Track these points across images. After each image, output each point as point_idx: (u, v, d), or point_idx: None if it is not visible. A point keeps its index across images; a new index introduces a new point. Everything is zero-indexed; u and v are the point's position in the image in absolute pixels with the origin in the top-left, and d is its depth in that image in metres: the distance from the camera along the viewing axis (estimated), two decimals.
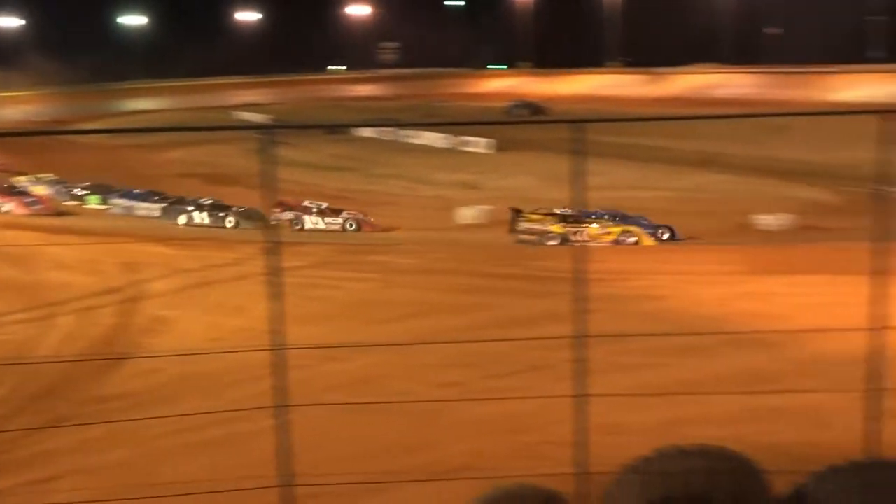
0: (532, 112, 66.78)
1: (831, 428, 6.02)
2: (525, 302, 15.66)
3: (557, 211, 27.95)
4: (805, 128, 45.13)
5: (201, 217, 31.90)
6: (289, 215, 31.36)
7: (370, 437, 8.34)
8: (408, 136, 54.64)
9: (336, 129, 57.90)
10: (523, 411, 8.15)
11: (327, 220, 31.51)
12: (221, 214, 31.65)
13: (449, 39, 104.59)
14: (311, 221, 31.50)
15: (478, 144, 50.62)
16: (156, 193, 35.19)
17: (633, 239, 26.62)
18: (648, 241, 26.61)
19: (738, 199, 33.18)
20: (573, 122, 5.30)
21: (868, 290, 5.44)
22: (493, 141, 49.91)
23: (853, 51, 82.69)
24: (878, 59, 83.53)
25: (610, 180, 34.53)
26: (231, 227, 31.06)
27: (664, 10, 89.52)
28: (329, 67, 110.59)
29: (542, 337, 7.28)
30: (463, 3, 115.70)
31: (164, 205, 33.45)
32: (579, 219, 27.13)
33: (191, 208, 32.35)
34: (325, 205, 32.37)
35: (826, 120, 43.00)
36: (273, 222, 30.43)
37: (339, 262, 21.04)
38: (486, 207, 32.52)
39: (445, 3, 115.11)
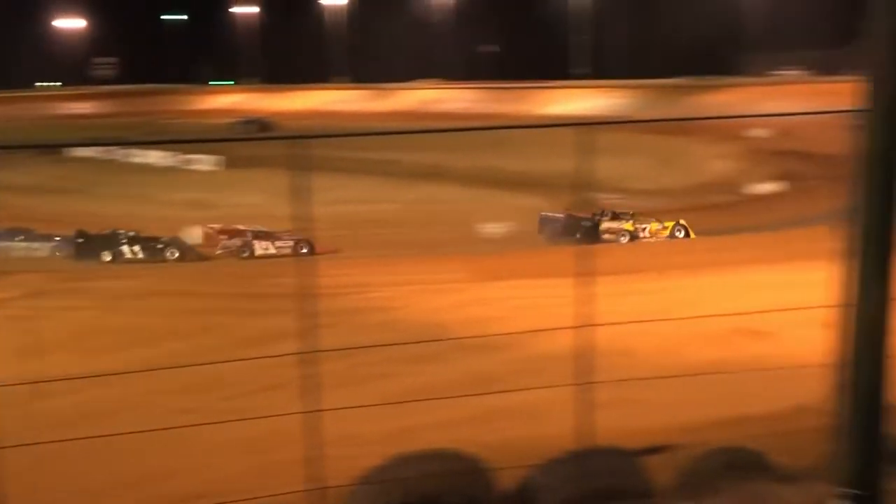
0: (260, 128, 66.08)
1: (550, 422, 6.41)
2: (255, 321, 15.45)
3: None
4: (522, 140, 47.89)
5: (133, 251, 29.31)
6: (236, 242, 30.09)
7: (97, 475, 7.91)
8: (130, 156, 52.40)
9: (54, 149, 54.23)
10: (259, 432, 8.05)
11: (278, 244, 29.99)
12: (160, 247, 29.50)
13: (169, 54, 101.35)
14: (260, 247, 30.05)
15: (204, 162, 49.43)
16: (21, 231, 30.64)
17: None
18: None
19: (465, 208, 34.41)
20: (295, 138, 5.37)
21: (575, 290, 5.80)
22: (221, 158, 48.94)
23: (560, 67, 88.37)
24: (582, 76, 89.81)
25: (339, 195, 34.69)
26: (172, 259, 29.05)
27: (389, 28, 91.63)
28: (38, 83, 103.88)
29: (272, 355, 7.24)
30: (184, 17, 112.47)
31: (78, 241, 29.34)
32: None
33: (122, 242, 29.43)
34: (263, 228, 30.77)
35: (539, 132, 45.57)
36: (219, 251, 29.53)
37: (53, 290, 19.75)
38: (216, 226, 31.83)
39: (164, 17, 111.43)
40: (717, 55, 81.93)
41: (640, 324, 8.62)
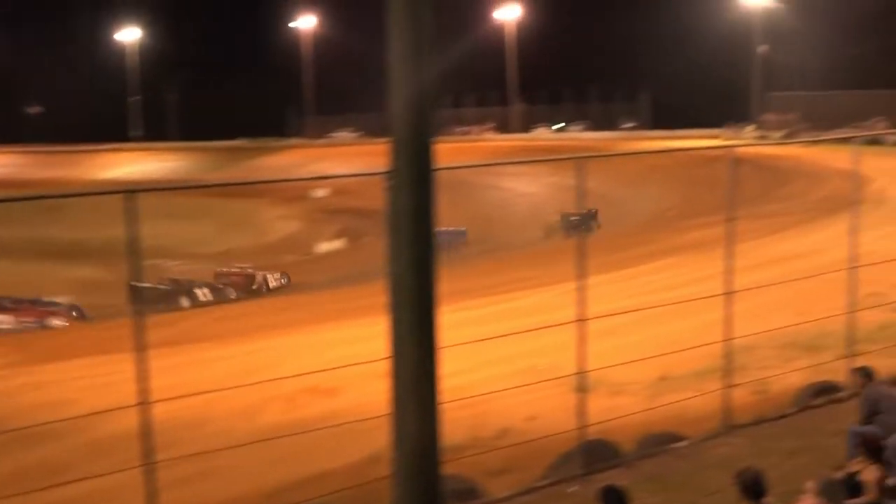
0: None
1: None
2: None
3: None
4: (78, 207, 45.33)
5: (203, 293, 30.16)
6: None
7: None
8: None
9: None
10: None
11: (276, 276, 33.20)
12: (220, 286, 31.13)
13: None
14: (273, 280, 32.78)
15: None
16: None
17: None
18: None
19: (18, 282, 32.00)
20: None
21: (135, 366, 5.69)
22: None
23: (116, 130, 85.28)
24: (137, 138, 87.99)
25: None
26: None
27: None
28: None
29: None
30: None
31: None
32: None
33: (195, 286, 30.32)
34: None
35: (97, 198, 43.39)
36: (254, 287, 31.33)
37: None
38: None
39: None
40: (275, 117, 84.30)
41: (215, 393, 8.57)
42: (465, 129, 73.63)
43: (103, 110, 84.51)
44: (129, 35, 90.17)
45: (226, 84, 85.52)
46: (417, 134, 3.59)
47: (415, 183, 3.61)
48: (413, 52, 3.54)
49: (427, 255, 3.66)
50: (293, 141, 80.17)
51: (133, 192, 5.95)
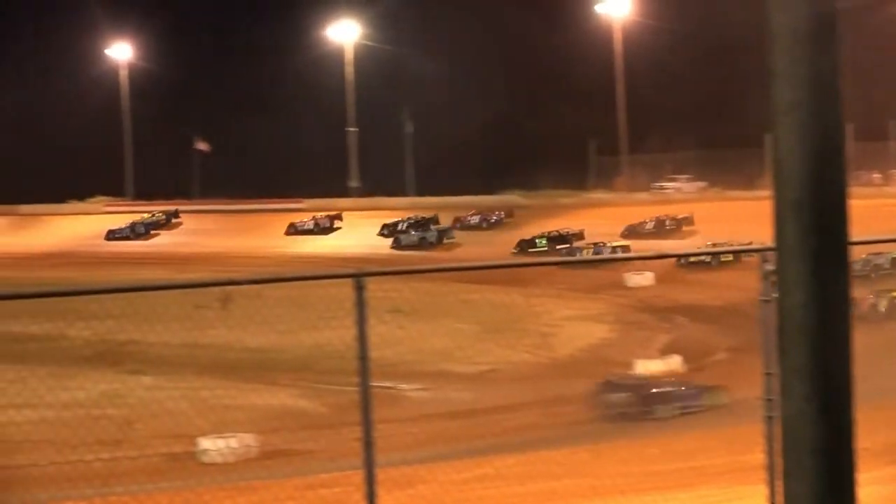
0: None
1: None
2: None
3: None
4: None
5: None
6: None
7: None
8: None
9: None
10: None
11: None
12: None
13: None
14: None
15: None
16: None
17: None
18: None
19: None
20: None
21: None
22: None
23: (280, 182, 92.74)
24: (356, 192, 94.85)
25: None
26: None
27: None
28: None
29: None
30: None
31: None
32: None
33: None
34: None
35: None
36: None
37: None
38: None
39: None
40: (565, 158, 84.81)
41: None
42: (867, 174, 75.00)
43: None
44: None
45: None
46: (822, 192, 3.78)
47: (817, 266, 3.75)
48: (822, 81, 3.79)
49: (841, 390, 3.80)
50: (595, 194, 79.79)
51: (363, 275, 7.67)
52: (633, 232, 70.19)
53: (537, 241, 71.55)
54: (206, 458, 29.85)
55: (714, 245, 51.34)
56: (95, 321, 46.33)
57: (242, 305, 45.81)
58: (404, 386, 38.01)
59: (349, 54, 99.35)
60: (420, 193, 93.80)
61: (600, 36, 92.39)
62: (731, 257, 47.06)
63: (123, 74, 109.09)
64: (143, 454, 30.33)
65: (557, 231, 72.49)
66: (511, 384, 38.65)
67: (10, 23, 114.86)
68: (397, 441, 28.21)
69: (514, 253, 71.23)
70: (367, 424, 11.55)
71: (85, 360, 42.56)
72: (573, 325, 51.14)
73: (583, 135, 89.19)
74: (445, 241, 77.35)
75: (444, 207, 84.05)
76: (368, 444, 11.68)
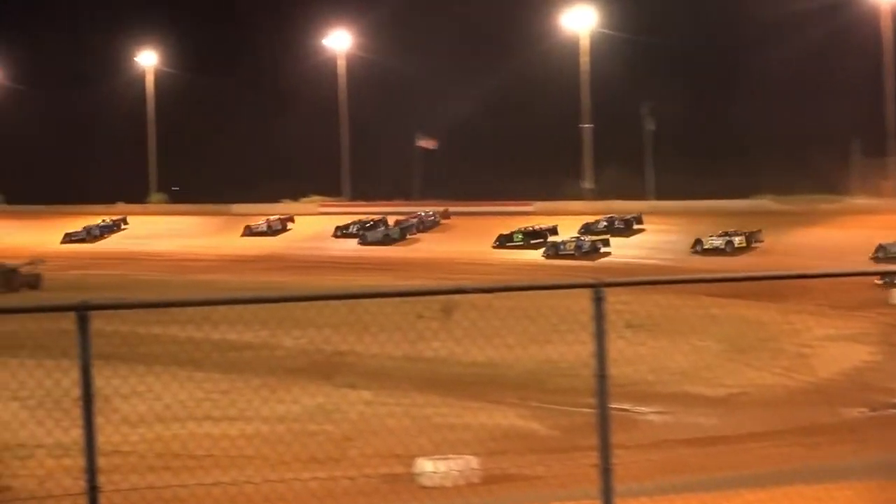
0: None
1: None
2: None
3: None
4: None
5: None
6: None
7: None
8: None
9: None
10: None
11: None
12: None
13: None
14: None
15: None
16: None
17: None
18: None
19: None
20: None
21: None
22: None
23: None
24: (588, 194, 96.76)
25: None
26: None
27: None
28: None
29: None
30: None
31: None
32: None
33: None
34: None
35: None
36: None
37: None
38: None
39: None
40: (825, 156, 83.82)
41: None
42: None
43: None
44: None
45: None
46: None
47: None
48: None
49: None
50: (858, 200, 78.31)
51: (603, 285, 8.08)
52: None
53: (514, 236, 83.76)
54: (425, 481, 29.25)
55: None
56: (312, 329, 47.51)
57: (468, 315, 46.03)
58: (642, 408, 37.59)
59: (584, 44, 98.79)
60: (660, 196, 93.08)
61: (864, 24, 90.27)
62: None
63: (341, 64, 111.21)
64: (361, 474, 29.98)
65: (532, 227, 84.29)
66: (761, 409, 37.94)
67: (243, 21, 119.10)
68: (636, 469, 27.67)
69: (494, 246, 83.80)
70: (604, 449, 11.12)
71: (300, 370, 43.18)
72: (832, 345, 50.35)
73: (845, 134, 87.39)
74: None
75: (683, 213, 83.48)
76: (606, 470, 11.27)
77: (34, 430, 29.25)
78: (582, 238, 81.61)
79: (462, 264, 77.94)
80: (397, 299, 39.26)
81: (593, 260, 79.67)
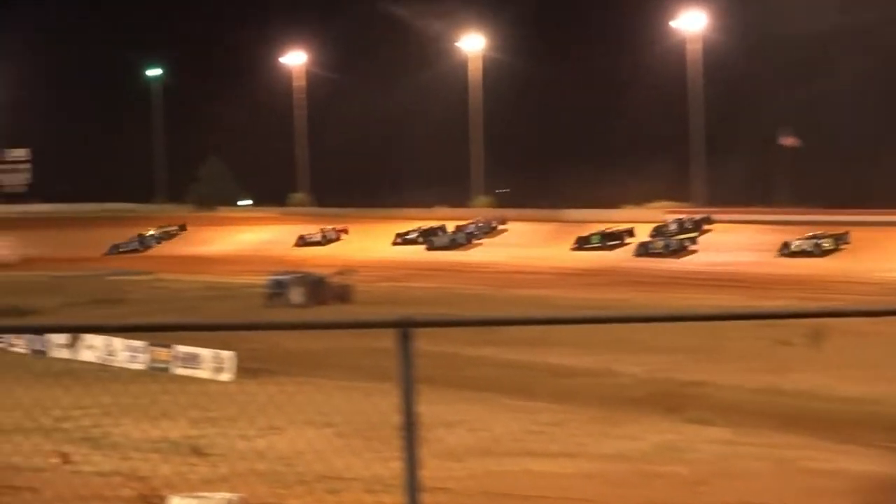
0: None
1: None
2: None
3: None
4: None
5: None
6: None
7: None
8: None
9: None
10: None
11: None
12: None
13: None
14: None
15: None
16: None
17: None
18: None
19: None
20: None
21: None
22: None
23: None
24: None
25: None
26: None
27: None
28: None
29: None
30: None
31: None
32: None
33: None
34: None
35: None
36: None
37: None
38: None
39: None
40: None
41: None
42: None
43: None
44: None
45: None
46: None
47: None
48: None
49: None
50: None
51: None
52: None
53: (592, 238, 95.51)
54: None
55: None
56: (648, 355, 46.55)
57: (838, 343, 44.27)
58: None
59: None
60: None
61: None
62: None
63: (695, 49, 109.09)
64: None
65: (608, 229, 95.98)
66: None
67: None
68: None
69: (573, 248, 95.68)
70: None
71: (636, 402, 42.91)
72: None
73: None
74: None
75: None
76: None
77: (350, 460, 29.66)
78: (669, 238, 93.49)
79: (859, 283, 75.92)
80: (749, 323, 37.96)
81: (679, 257, 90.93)
